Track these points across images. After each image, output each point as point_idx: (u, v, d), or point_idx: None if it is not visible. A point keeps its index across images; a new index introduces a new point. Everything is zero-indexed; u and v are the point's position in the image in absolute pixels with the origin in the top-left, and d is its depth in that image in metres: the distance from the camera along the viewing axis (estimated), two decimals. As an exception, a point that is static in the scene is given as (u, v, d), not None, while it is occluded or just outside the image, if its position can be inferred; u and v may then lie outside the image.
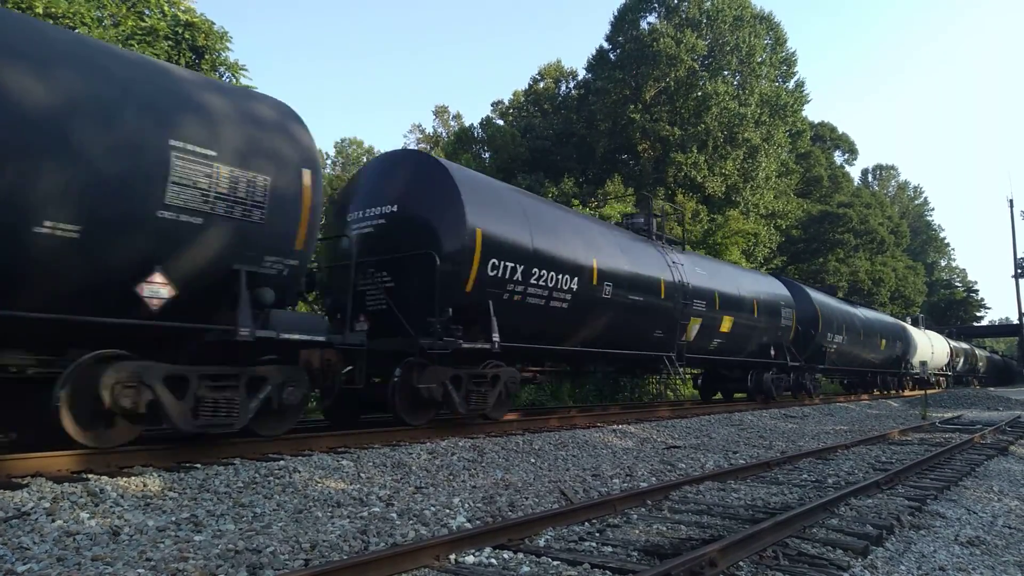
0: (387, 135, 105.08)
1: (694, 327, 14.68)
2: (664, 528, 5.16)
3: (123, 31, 12.95)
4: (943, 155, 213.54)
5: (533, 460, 7.99)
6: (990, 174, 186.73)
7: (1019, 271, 51.25)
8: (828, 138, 52.26)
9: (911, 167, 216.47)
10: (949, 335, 46.00)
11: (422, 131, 41.44)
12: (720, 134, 31.15)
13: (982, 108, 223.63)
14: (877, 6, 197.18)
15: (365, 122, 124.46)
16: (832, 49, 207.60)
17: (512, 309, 9.71)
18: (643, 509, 5.84)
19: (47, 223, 5.31)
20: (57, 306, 5.60)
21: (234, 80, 14.67)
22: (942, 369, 39.73)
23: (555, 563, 4.22)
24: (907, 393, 31.49)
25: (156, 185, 5.91)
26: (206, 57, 14.01)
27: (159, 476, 5.61)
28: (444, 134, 40.44)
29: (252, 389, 6.87)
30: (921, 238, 75.54)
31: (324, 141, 71.75)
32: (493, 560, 4.25)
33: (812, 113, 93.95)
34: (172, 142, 6.04)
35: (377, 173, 10.05)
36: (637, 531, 5.05)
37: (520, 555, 4.37)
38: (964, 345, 47.25)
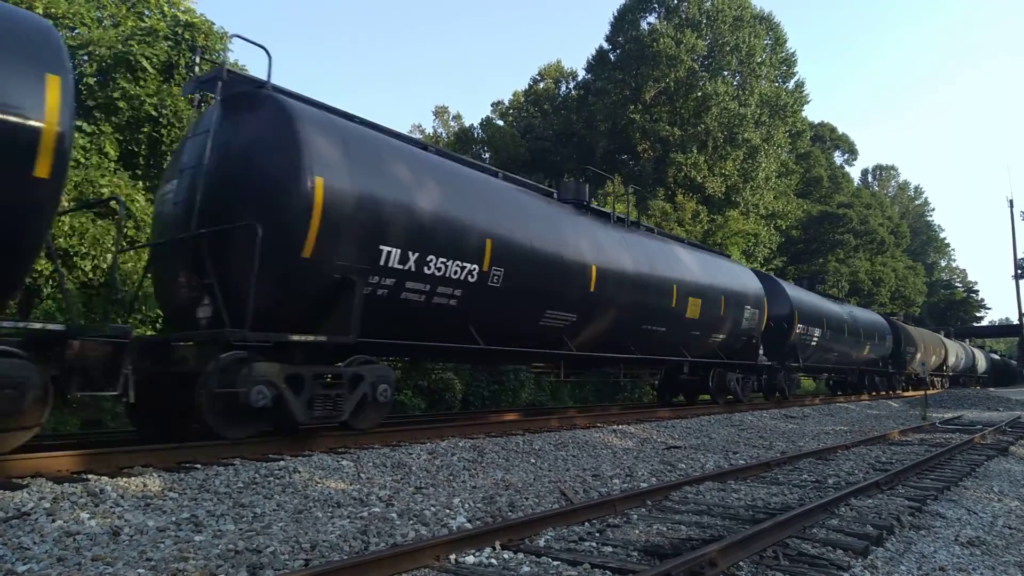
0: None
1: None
2: (664, 528, 5.15)
3: (123, 31, 12.95)
4: (943, 155, 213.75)
5: (533, 460, 7.99)
6: (990, 174, 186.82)
7: (1019, 271, 51.24)
8: (828, 138, 52.29)
9: (911, 167, 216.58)
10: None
11: (422, 131, 41.45)
12: (720, 134, 31.17)
13: (982, 107, 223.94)
14: (882, 20, 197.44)
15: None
16: (836, 55, 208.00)
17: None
18: (643, 509, 5.84)
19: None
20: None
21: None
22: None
23: (555, 563, 4.22)
24: (907, 393, 31.46)
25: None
26: (206, 57, 14.00)
27: (159, 476, 5.61)
28: (444, 135, 40.45)
29: None
30: (921, 238, 75.51)
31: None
32: (493, 560, 4.25)
33: (815, 114, 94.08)
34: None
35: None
36: (637, 531, 5.05)
37: (520, 555, 4.37)
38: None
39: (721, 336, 15.78)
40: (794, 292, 20.50)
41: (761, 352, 17.68)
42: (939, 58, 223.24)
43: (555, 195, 12.08)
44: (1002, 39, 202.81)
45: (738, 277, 16.90)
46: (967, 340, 53.82)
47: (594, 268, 11.27)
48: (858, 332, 25.29)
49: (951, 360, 40.17)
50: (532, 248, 10.03)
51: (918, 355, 32.19)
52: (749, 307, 16.63)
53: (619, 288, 11.91)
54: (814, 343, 21.04)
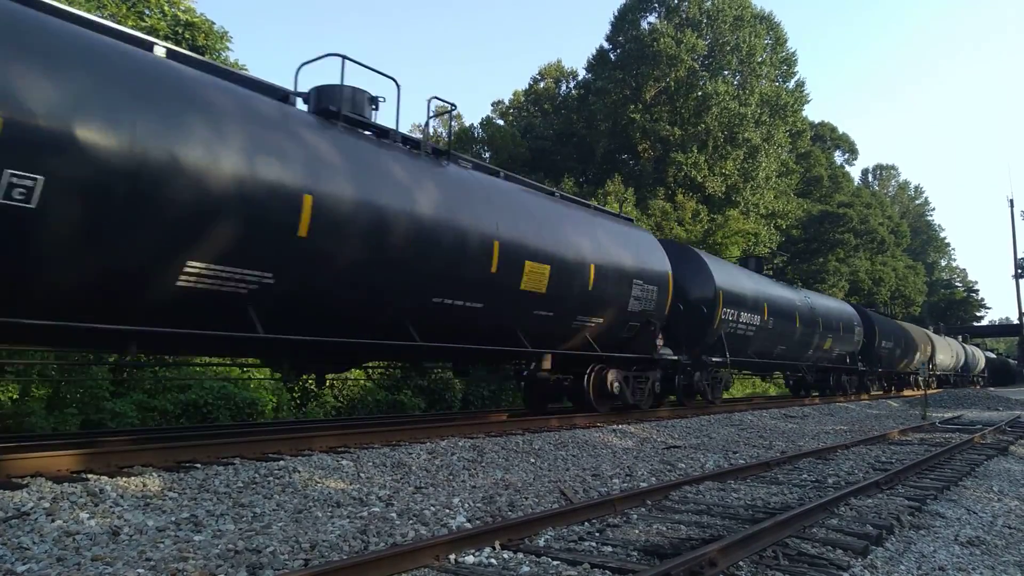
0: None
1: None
2: (664, 528, 5.15)
3: (123, 31, 12.93)
4: (943, 155, 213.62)
5: (533, 460, 7.99)
6: (990, 174, 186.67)
7: (1019, 271, 51.28)
8: (828, 138, 52.33)
9: (911, 167, 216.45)
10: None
11: (422, 131, 41.50)
12: (720, 134, 31.19)
13: (983, 107, 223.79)
14: (885, 16, 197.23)
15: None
16: (836, 55, 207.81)
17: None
18: (643, 509, 5.84)
19: None
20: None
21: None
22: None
23: (555, 563, 4.22)
24: (907, 393, 31.43)
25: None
26: (206, 57, 14.02)
27: (159, 476, 5.61)
28: (444, 134, 40.48)
29: None
30: (921, 238, 75.56)
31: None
32: (493, 560, 4.25)
33: (814, 114, 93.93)
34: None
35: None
36: (637, 531, 5.05)
37: (520, 555, 4.37)
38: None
39: (596, 320, 11.65)
40: (721, 270, 16.16)
41: (661, 343, 13.50)
42: (937, 47, 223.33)
43: (305, 103, 8.49)
44: (1003, 36, 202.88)
45: (629, 244, 12.72)
46: (959, 337, 52.37)
47: (309, 200, 7.12)
48: (815, 322, 20.86)
49: (939, 358, 37.06)
50: (144, 155, 5.81)
51: (897, 351, 29.60)
52: (642, 283, 12.49)
53: (372, 238, 7.83)
54: (750, 333, 16.80)
